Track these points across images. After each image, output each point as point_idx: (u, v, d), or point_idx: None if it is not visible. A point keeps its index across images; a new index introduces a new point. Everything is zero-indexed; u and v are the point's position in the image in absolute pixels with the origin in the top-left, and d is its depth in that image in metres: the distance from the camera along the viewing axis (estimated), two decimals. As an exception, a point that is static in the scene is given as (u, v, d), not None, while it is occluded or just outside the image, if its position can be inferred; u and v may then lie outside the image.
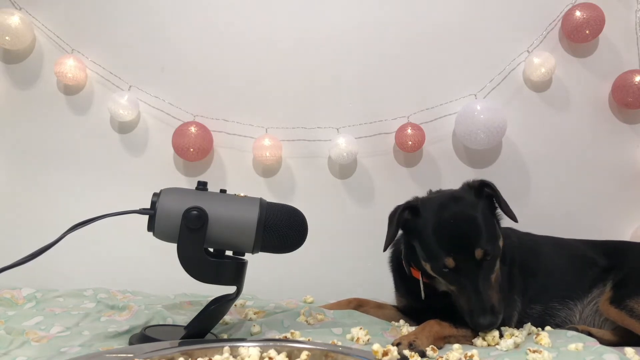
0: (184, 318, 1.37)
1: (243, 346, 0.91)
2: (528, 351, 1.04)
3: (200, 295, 1.71)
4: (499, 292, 1.27)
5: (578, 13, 1.94)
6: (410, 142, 1.93)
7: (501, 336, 1.22)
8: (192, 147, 1.91)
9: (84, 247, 1.85)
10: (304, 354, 0.88)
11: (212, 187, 1.18)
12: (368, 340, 1.18)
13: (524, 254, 1.49)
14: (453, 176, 2.02)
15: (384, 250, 1.39)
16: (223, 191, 1.18)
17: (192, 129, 1.92)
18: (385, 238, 1.35)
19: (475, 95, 1.99)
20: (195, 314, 1.19)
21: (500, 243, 1.32)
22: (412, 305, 1.50)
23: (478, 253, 1.23)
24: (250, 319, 1.43)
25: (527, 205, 2.02)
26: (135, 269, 1.94)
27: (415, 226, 1.34)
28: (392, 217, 1.37)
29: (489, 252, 1.25)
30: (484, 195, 1.35)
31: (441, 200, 1.35)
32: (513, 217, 1.33)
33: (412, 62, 2.04)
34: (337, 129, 1.99)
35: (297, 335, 1.18)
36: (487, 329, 1.22)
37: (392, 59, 2.04)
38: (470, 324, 1.23)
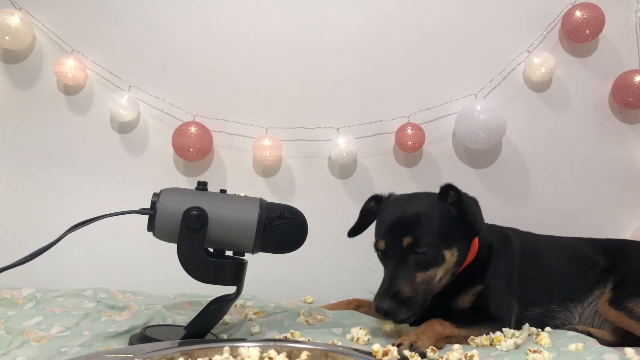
0: (184, 318, 1.37)
1: (243, 346, 0.91)
2: (528, 351, 1.04)
3: (200, 295, 1.71)
4: (422, 293, 1.24)
5: (578, 13, 1.94)
6: (410, 142, 1.93)
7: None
8: (192, 147, 1.91)
9: (84, 247, 1.85)
10: (304, 354, 0.88)
11: (212, 187, 1.18)
12: (368, 340, 1.18)
13: (523, 255, 1.48)
14: (453, 176, 2.02)
15: (348, 235, 1.48)
16: (223, 191, 1.18)
17: (192, 129, 1.92)
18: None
19: (475, 95, 1.99)
20: (195, 314, 1.19)
21: (450, 254, 1.27)
22: None
23: (405, 240, 1.25)
24: (250, 319, 1.43)
25: (527, 205, 2.03)
26: (135, 269, 1.94)
27: (377, 214, 1.41)
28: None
29: (419, 244, 1.24)
30: (449, 199, 1.32)
31: (403, 195, 1.41)
32: (479, 228, 1.28)
33: (412, 62, 2.04)
34: (337, 129, 1.99)
35: (297, 335, 1.18)
36: (384, 315, 1.21)
37: (392, 59, 2.04)
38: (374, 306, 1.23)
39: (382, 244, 1.30)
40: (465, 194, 1.32)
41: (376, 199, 1.45)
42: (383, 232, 1.31)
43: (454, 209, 1.32)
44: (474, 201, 1.34)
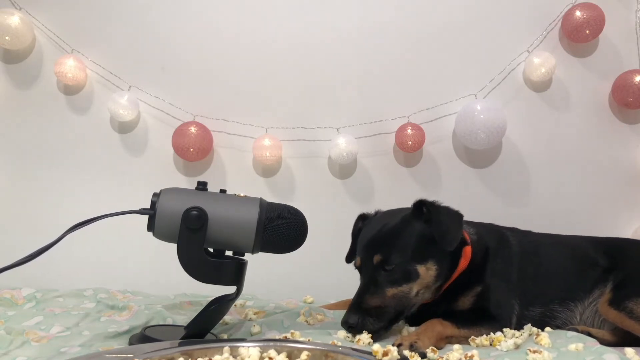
0: (184, 318, 1.37)
1: (243, 346, 0.91)
2: (528, 351, 1.04)
3: (200, 295, 1.70)
4: (392, 308, 1.25)
5: (578, 13, 1.94)
6: (410, 142, 1.93)
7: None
8: (192, 147, 1.91)
9: (84, 247, 1.85)
10: (304, 354, 0.88)
11: (212, 187, 1.18)
12: (369, 343, 1.18)
13: (523, 255, 1.48)
14: (453, 176, 2.03)
15: (346, 261, 1.51)
16: (223, 191, 1.18)
17: (192, 129, 1.92)
18: None
19: (475, 95, 1.99)
20: (195, 314, 1.19)
21: (425, 269, 1.28)
22: None
23: (375, 258, 1.28)
24: (250, 319, 1.43)
25: (527, 205, 2.03)
26: (135, 269, 1.94)
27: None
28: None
29: (387, 262, 1.26)
30: (423, 214, 1.33)
31: (385, 213, 1.43)
32: (445, 245, 1.28)
33: (412, 62, 2.04)
34: (337, 129, 1.99)
35: (297, 335, 1.18)
36: (347, 327, 1.22)
37: (392, 59, 2.04)
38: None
39: (358, 261, 1.34)
40: (439, 210, 1.33)
41: (362, 218, 1.48)
42: (359, 250, 1.36)
43: (427, 224, 1.32)
44: (450, 215, 1.34)
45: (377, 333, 1.23)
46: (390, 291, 1.26)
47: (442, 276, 1.32)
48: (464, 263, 1.36)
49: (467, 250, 1.37)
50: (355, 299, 1.27)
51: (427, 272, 1.29)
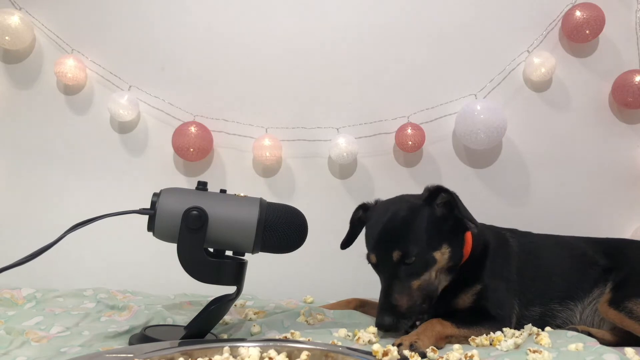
0: (184, 318, 1.37)
1: (243, 346, 0.91)
2: (528, 351, 1.04)
3: (200, 295, 1.70)
4: (420, 298, 1.27)
5: (578, 13, 1.94)
6: (410, 142, 1.93)
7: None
8: (192, 147, 1.91)
9: (84, 247, 1.85)
10: (304, 354, 0.88)
11: (212, 187, 1.18)
12: (369, 341, 1.18)
13: (522, 255, 1.48)
14: (453, 176, 2.02)
15: (341, 247, 1.50)
16: (223, 191, 1.18)
17: (192, 129, 1.92)
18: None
19: (475, 95, 1.99)
20: (195, 314, 1.19)
21: (440, 254, 1.29)
22: None
23: (395, 255, 1.27)
24: (250, 319, 1.43)
25: (527, 205, 2.03)
26: (135, 269, 1.94)
27: (365, 223, 1.42)
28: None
29: (408, 256, 1.26)
30: (438, 201, 1.34)
31: (388, 202, 1.41)
32: (473, 222, 1.30)
33: (412, 62, 2.04)
34: (337, 129, 1.99)
35: (297, 335, 1.18)
36: (384, 329, 1.23)
37: (392, 58, 2.04)
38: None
39: (373, 258, 1.33)
40: (455, 195, 1.34)
41: (363, 208, 1.47)
42: (372, 245, 1.34)
43: (439, 209, 1.34)
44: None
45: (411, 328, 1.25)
46: (415, 283, 1.27)
47: (455, 258, 1.33)
48: (467, 250, 1.37)
49: (469, 237, 1.39)
50: (384, 300, 1.26)
51: (442, 256, 1.31)
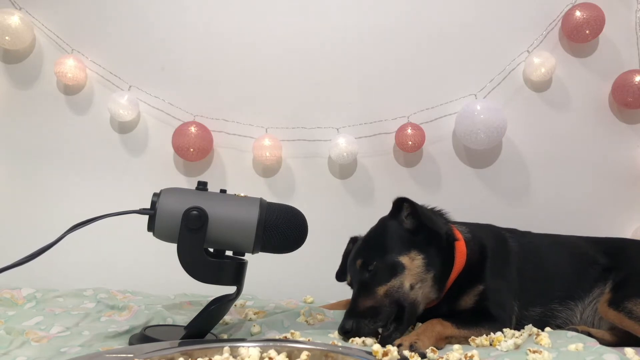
0: (184, 318, 1.37)
1: (243, 346, 0.91)
2: (528, 351, 1.04)
3: (200, 295, 1.71)
4: (388, 303, 1.24)
5: (578, 13, 1.94)
6: (410, 142, 1.93)
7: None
8: (192, 147, 1.91)
9: (84, 247, 1.85)
10: (304, 354, 0.88)
11: (212, 187, 1.18)
12: (363, 342, 1.18)
13: (522, 255, 1.48)
14: (453, 176, 2.03)
15: (336, 278, 1.56)
16: (223, 191, 1.18)
17: (192, 129, 1.92)
18: None
19: (475, 95, 1.99)
20: (195, 314, 1.19)
21: (409, 259, 1.28)
22: None
23: (357, 263, 1.32)
24: (250, 319, 1.43)
25: (527, 205, 2.03)
26: (135, 269, 1.94)
27: None
28: None
29: (368, 262, 1.29)
30: (404, 213, 1.36)
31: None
32: (437, 228, 1.32)
33: (412, 62, 2.04)
34: (337, 129, 1.99)
35: (297, 335, 1.18)
36: (343, 333, 1.21)
37: (392, 58, 2.04)
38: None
39: (348, 279, 1.39)
40: (416, 204, 1.35)
41: (353, 241, 1.52)
42: (348, 268, 1.40)
43: (408, 220, 1.35)
44: (429, 210, 1.40)
45: (391, 335, 1.20)
46: (381, 289, 1.26)
47: (435, 266, 1.30)
48: (460, 259, 1.36)
49: (460, 246, 1.38)
50: (349, 307, 1.28)
51: (412, 262, 1.29)
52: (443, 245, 1.34)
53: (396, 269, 1.27)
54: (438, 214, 1.44)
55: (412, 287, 1.28)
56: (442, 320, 1.24)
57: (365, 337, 1.19)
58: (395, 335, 1.19)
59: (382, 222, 1.40)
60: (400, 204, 1.36)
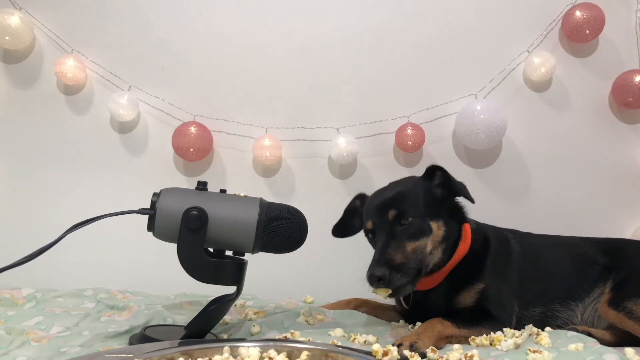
0: (184, 318, 1.37)
1: (243, 346, 0.91)
2: (528, 351, 1.04)
3: (200, 295, 1.71)
4: (413, 261, 1.26)
5: (578, 13, 1.94)
6: (410, 142, 1.93)
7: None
8: (192, 147, 1.91)
9: (84, 247, 1.85)
10: (304, 354, 0.88)
11: (212, 187, 1.18)
12: (365, 341, 1.18)
13: (523, 256, 1.48)
14: (453, 176, 2.02)
15: (332, 233, 1.52)
16: (223, 191, 1.18)
17: (192, 129, 1.92)
18: None
19: (475, 95, 1.99)
20: (195, 314, 1.19)
21: (437, 226, 1.32)
22: (406, 310, 1.49)
23: (390, 214, 1.30)
24: (250, 319, 1.43)
25: (527, 205, 2.03)
26: (135, 269, 1.94)
27: (363, 210, 1.44)
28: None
29: (403, 215, 1.29)
30: (435, 181, 1.38)
31: (385, 186, 1.44)
32: (469, 198, 1.33)
33: (412, 62, 2.04)
34: (337, 129, 1.99)
35: (297, 335, 1.18)
36: (375, 280, 1.21)
37: (392, 59, 2.04)
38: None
39: (369, 224, 1.35)
40: (449, 174, 1.36)
41: (361, 198, 1.50)
42: (370, 214, 1.37)
43: (439, 190, 1.38)
44: (460, 183, 1.38)
45: (404, 289, 1.24)
46: (410, 245, 1.28)
47: (448, 238, 1.35)
48: (465, 242, 1.38)
49: (467, 229, 1.40)
50: (378, 254, 1.26)
51: (438, 229, 1.33)
52: (456, 225, 1.38)
53: (425, 231, 1.31)
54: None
55: (431, 252, 1.32)
56: (442, 320, 1.24)
57: (393, 289, 1.21)
58: (407, 287, 1.25)
59: (415, 181, 1.39)
60: (433, 171, 1.38)
